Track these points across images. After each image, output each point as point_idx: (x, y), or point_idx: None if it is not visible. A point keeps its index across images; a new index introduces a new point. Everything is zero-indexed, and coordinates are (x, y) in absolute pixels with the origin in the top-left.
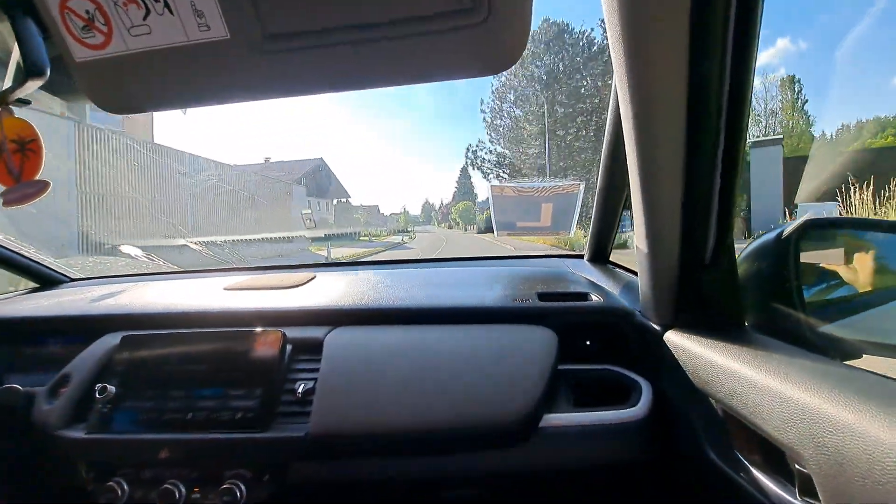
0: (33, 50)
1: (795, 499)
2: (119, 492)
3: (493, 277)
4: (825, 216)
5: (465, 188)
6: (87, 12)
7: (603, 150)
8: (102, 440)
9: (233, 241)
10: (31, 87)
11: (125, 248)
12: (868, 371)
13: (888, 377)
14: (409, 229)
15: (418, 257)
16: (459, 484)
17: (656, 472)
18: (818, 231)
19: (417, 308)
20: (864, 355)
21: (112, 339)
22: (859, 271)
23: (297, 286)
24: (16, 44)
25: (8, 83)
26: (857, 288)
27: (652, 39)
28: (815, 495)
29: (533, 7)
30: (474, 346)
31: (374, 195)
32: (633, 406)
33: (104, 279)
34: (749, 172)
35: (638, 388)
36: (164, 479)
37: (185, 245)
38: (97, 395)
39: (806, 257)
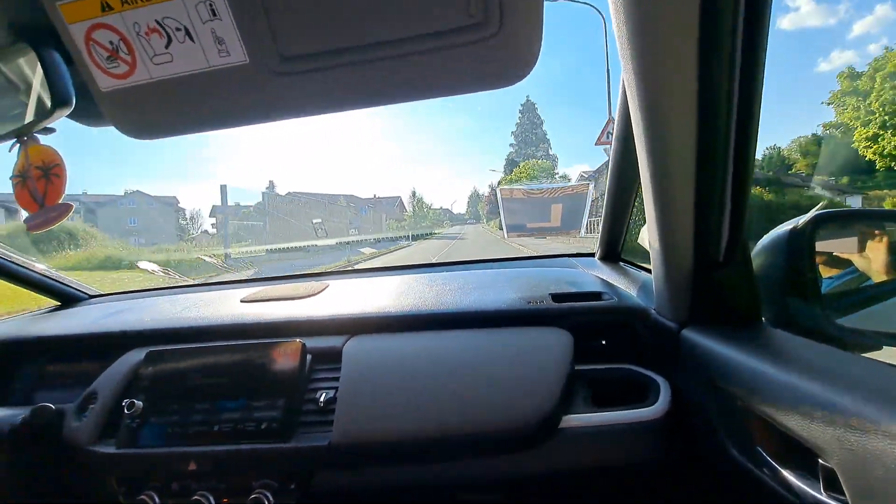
0: (60, 81)
1: (820, 494)
2: None
3: (506, 280)
4: (837, 209)
5: (528, 132)
6: (111, 43)
7: (612, 149)
8: (132, 454)
9: (246, 252)
10: (58, 116)
11: (142, 264)
12: (889, 364)
13: None
14: (425, 233)
15: (432, 261)
16: (481, 488)
17: (677, 470)
18: (831, 223)
19: (432, 314)
20: (885, 346)
21: (136, 355)
22: (873, 262)
23: (312, 296)
24: (37, 75)
25: (30, 114)
26: (873, 278)
27: (661, 36)
28: (840, 490)
29: (544, 19)
30: (490, 350)
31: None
32: (652, 405)
33: (122, 295)
34: None
35: (656, 386)
36: (194, 492)
37: (200, 258)
38: (125, 411)
39: (820, 248)
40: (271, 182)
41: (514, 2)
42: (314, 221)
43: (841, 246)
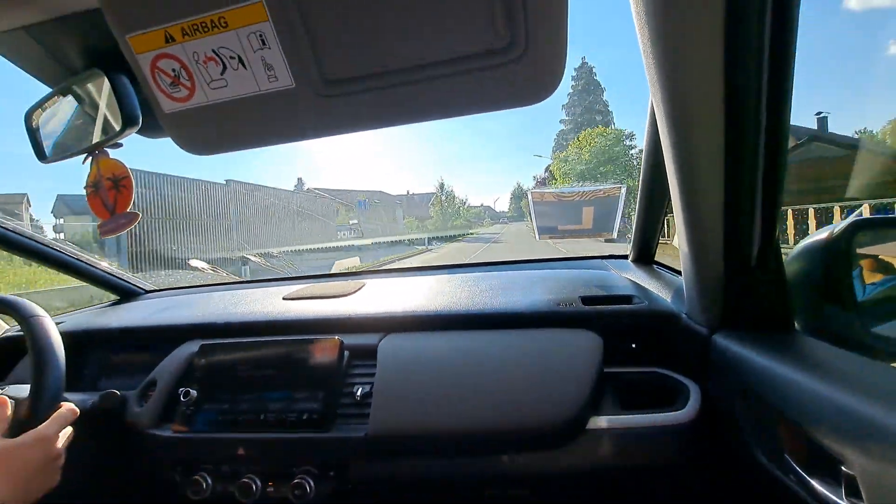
0: (128, 102)
1: (842, 500)
2: (203, 485)
3: (537, 281)
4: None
5: (585, 103)
6: (174, 70)
7: (643, 151)
8: (187, 438)
9: (288, 251)
10: (127, 134)
11: (193, 262)
12: None
13: None
14: (455, 234)
15: (466, 262)
16: (509, 484)
17: (704, 475)
18: (869, 230)
19: (464, 314)
20: None
21: (190, 347)
22: None
23: (349, 294)
24: (106, 97)
25: (101, 132)
26: None
27: (685, 39)
28: (861, 497)
29: (568, 41)
30: (520, 351)
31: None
32: (681, 409)
33: (174, 290)
34: None
35: (686, 390)
36: (242, 475)
37: (245, 257)
38: (181, 398)
39: (867, 252)
40: (300, 179)
41: (539, 24)
42: (351, 222)
43: (889, 251)
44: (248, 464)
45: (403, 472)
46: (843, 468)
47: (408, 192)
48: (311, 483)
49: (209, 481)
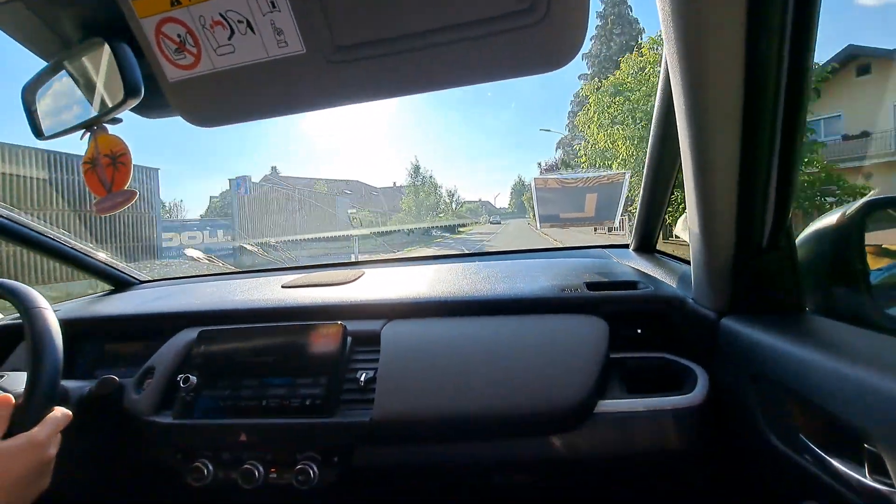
0: (130, 71)
1: (865, 478)
2: (205, 471)
3: (540, 269)
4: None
5: (617, 41)
6: (179, 35)
7: (650, 136)
8: (187, 425)
9: (285, 241)
10: (128, 106)
11: (189, 252)
12: None
13: None
14: (430, 231)
15: (466, 252)
16: (515, 469)
17: (713, 458)
18: (883, 211)
19: (468, 300)
20: None
21: (189, 334)
22: None
23: (349, 282)
24: (106, 67)
25: (99, 105)
26: None
27: (706, 11)
28: (886, 474)
29: (590, 4)
30: (526, 336)
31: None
32: (689, 393)
33: (170, 280)
34: None
35: (693, 375)
36: (244, 461)
37: (242, 247)
38: (181, 385)
39: (870, 238)
40: (274, 168)
41: None
42: (349, 211)
43: (889, 237)
44: (249, 450)
45: (408, 457)
46: (865, 445)
47: (394, 184)
48: (315, 469)
49: (210, 468)
